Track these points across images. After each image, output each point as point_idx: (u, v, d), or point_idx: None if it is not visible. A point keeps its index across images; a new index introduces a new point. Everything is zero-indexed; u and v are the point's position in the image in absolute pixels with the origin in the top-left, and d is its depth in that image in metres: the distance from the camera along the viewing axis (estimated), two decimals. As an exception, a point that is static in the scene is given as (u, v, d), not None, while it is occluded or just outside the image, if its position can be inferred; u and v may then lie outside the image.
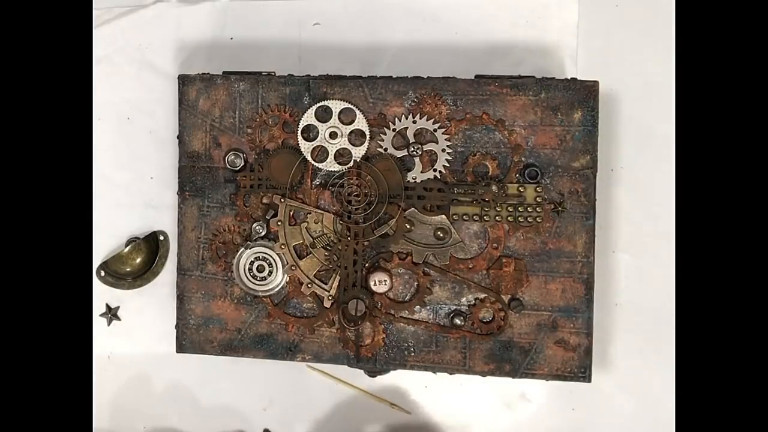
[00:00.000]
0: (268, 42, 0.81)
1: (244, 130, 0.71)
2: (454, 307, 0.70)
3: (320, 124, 0.70)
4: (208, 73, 0.73)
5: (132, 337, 0.83)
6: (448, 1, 0.79)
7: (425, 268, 0.70)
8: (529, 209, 0.68)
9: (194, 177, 0.72)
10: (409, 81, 0.69)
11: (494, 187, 0.68)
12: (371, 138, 0.69)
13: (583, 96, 0.67)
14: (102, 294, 0.83)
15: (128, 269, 0.82)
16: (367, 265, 0.70)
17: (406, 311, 0.70)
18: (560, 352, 0.68)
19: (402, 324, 0.70)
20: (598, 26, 0.77)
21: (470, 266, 0.69)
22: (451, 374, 0.70)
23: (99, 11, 0.83)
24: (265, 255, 0.71)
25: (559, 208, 0.68)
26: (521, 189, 0.68)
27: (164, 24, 0.83)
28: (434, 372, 0.70)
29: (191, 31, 0.83)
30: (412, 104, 0.69)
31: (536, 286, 0.68)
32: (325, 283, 0.71)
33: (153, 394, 0.83)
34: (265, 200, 0.71)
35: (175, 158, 0.74)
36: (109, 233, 0.83)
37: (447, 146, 0.69)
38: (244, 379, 0.81)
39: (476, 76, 0.69)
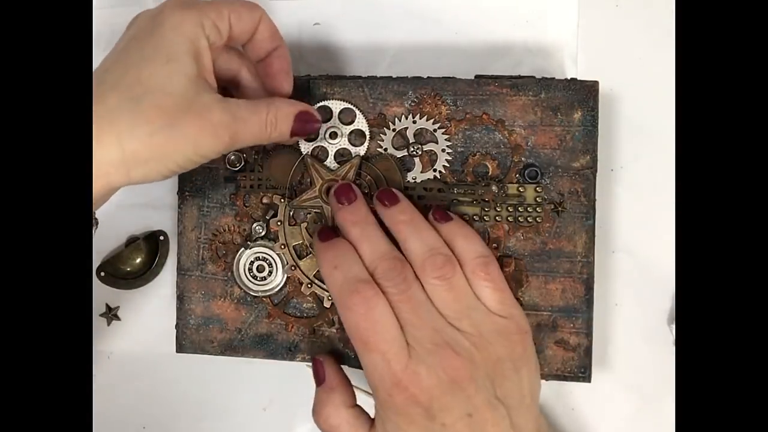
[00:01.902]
0: (268, 42, 0.81)
1: (244, 130, 0.71)
2: (454, 307, 0.69)
3: (320, 124, 0.70)
4: (208, 73, 0.73)
5: (132, 337, 0.83)
6: (448, 2, 0.79)
7: (425, 268, 0.69)
8: (529, 209, 0.68)
9: (194, 177, 0.72)
10: (409, 81, 0.69)
11: (494, 187, 0.68)
12: (371, 138, 0.69)
13: (583, 96, 0.67)
14: (102, 294, 0.83)
15: (128, 269, 0.82)
16: (367, 265, 0.70)
17: (406, 311, 0.70)
18: (560, 352, 0.68)
19: (402, 324, 0.70)
20: (598, 26, 0.77)
21: (470, 266, 0.69)
22: (451, 374, 0.70)
23: (99, 11, 0.83)
24: (265, 255, 0.71)
25: (559, 208, 0.68)
26: (521, 189, 0.68)
27: (164, 24, 0.83)
28: (434, 372, 0.70)
29: (191, 31, 0.82)
30: (412, 104, 0.69)
31: (536, 286, 0.68)
32: (325, 283, 0.71)
33: (153, 394, 0.83)
34: (265, 200, 0.71)
35: (175, 158, 0.74)
36: (109, 233, 0.83)
37: (447, 146, 0.69)
38: (244, 379, 0.81)
39: (476, 76, 0.69)
